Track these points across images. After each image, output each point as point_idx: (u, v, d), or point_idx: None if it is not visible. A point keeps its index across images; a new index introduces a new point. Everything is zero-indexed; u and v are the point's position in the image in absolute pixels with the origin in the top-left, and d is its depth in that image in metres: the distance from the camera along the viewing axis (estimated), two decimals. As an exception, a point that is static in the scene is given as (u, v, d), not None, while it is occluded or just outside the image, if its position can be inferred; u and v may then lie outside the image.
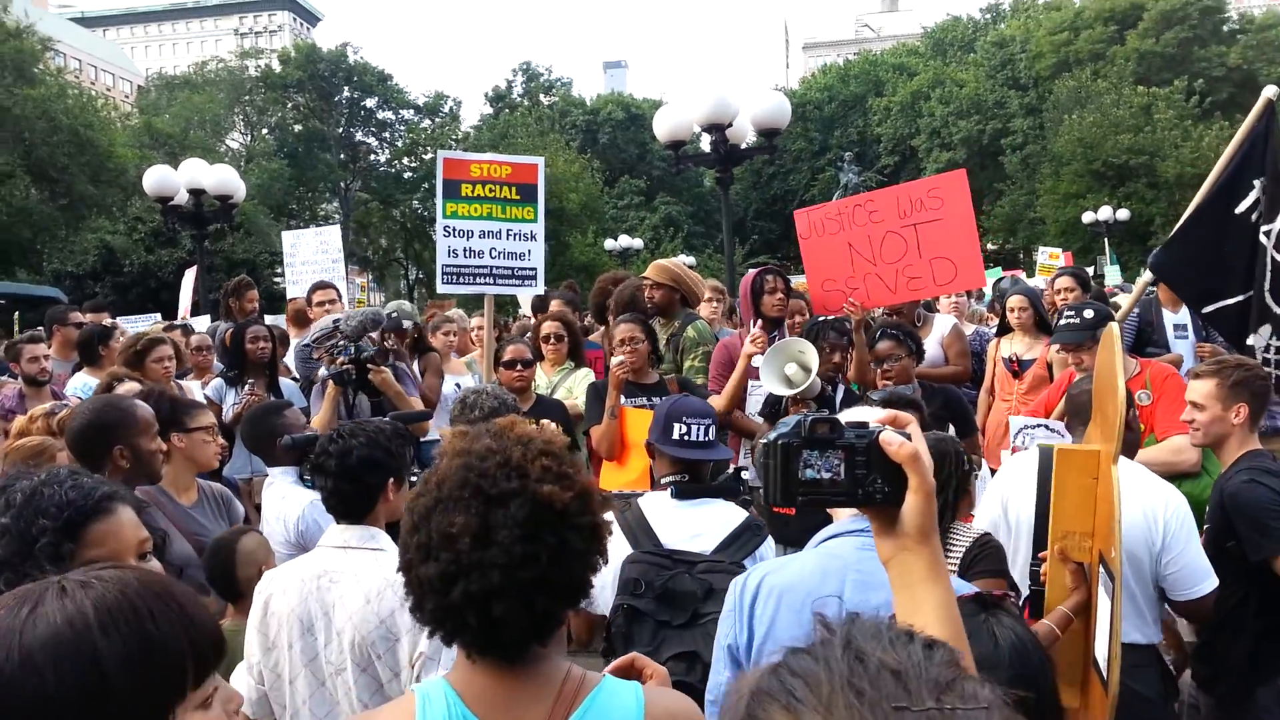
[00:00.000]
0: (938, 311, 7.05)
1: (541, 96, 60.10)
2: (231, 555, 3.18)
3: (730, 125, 9.74)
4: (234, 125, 56.53)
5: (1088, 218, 29.94)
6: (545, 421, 3.67)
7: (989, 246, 46.23)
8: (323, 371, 5.08)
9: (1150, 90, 40.48)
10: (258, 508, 4.56)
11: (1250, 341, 4.58)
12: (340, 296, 7.31)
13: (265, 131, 57.64)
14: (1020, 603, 3.10)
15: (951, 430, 4.84)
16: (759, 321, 5.24)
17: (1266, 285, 4.60)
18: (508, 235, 5.77)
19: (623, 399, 4.87)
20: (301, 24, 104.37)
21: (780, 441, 1.29)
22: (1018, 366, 6.34)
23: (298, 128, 57.84)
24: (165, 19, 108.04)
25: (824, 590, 2.09)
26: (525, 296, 9.47)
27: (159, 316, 12.97)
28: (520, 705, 1.55)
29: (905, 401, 3.41)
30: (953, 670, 0.85)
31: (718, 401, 5.03)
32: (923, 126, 50.92)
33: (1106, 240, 23.96)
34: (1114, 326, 3.07)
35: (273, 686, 2.62)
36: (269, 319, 9.67)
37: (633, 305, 5.94)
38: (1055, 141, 41.25)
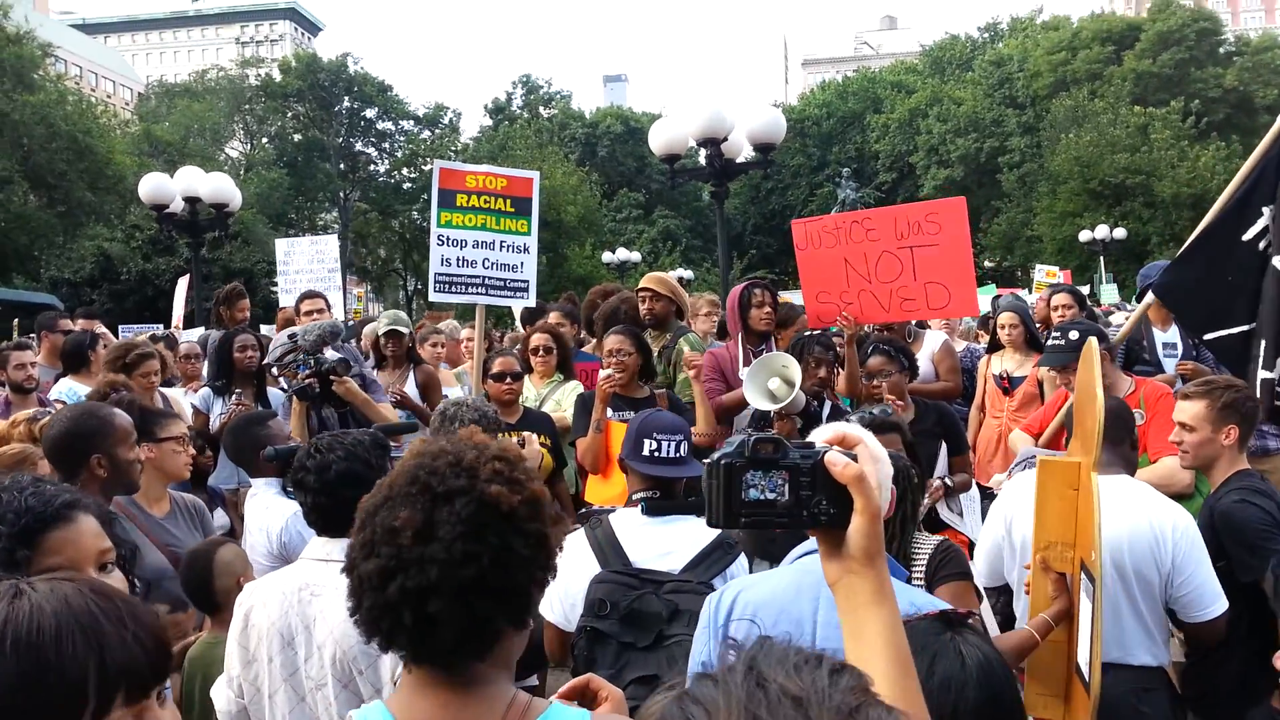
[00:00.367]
0: (929, 328, 7.04)
1: (541, 109, 60.21)
2: (209, 566, 3.14)
3: (725, 140, 9.75)
4: (233, 134, 56.63)
5: (1084, 236, 30.04)
6: (530, 435, 3.68)
7: (985, 264, 46.38)
8: (284, 386, 5.06)
9: (1147, 110, 40.66)
10: (244, 518, 4.54)
11: (1267, 375, 4.51)
12: (329, 306, 7.29)
13: (265, 140, 57.73)
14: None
15: (944, 447, 4.84)
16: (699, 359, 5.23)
17: None
18: (501, 247, 5.76)
19: (610, 412, 4.85)
20: (302, 34, 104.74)
21: (723, 461, 1.26)
22: (1008, 383, 6.33)
23: (297, 137, 57.95)
24: (166, 27, 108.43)
25: (798, 607, 2.08)
26: (518, 309, 9.47)
27: (161, 327, 12.95)
28: None
29: (886, 424, 3.39)
30: (858, 696, 0.83)
31: (701, 423, 5.02)
32: (920, 144, 51.08)
33: (1102, 260, 24.02)
34: (1093, 341, 3.07)
35: (252, 700, 2.58)
36: (264, 328, 9.67)
37: (615, 319, 5.92)
38: (1052, 160, 41.38)
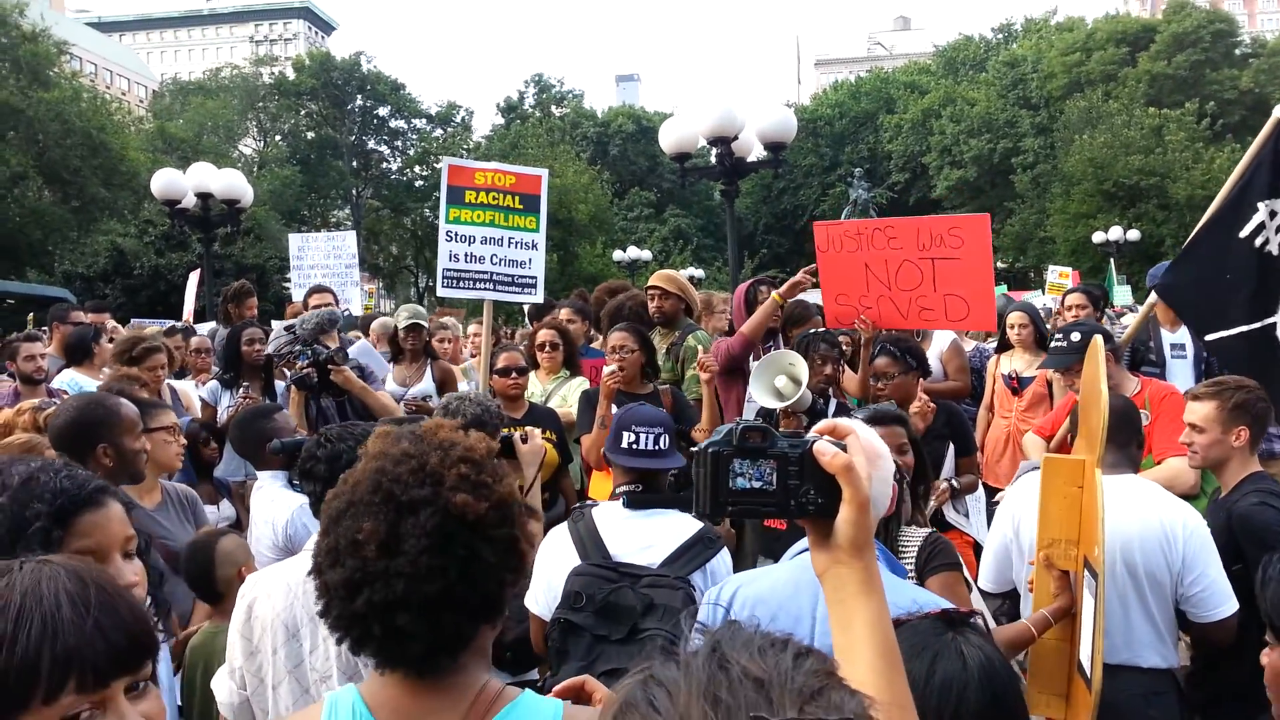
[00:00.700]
0: (938, 326, 7.01)
1: (553, 108, 60.30)
2: (210, 556, 3.15)
3: (736, 138, 9.73)
4: (247, 131, 56.90)
5: (1098, 238, 29.92)
6: (533, 429, 3.68)
7: (999, 265, 46.18)
8: (290, 375, 5.10)
9: (1161, 112, 40.45)
10: (249, 510, 4.55)
11: None
12: (338, 301, 7.31)
13: (278, 138, 57.99)
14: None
15: (951, 448, 4.82)
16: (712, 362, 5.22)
17: None
18: (509, 243, 5.78)
19: (614, 409, 4.85)
20: (316, 32, 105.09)
21: (710, 450, 1.26)
22: (1017, 383, 6.32)
23: (310, 135, 58.20)
24: (181, 25, 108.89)
25: (796, 603, 2.07)
26: (526, 305, 9.48)
27: (174, 323, 13.02)
28: (430, 717, 1.50)
29: (889, 416, 3.37)
30: (820, 679, 0.83)
31: (706, 422, 5.02)
32: (933, 144, 50.97)
33: (1113, 261, 23.93)
34: (1098, 339, 3.06)
35: (255, 692, 2.57)
36: (275, 324, 9.70)
37: (620, 316, 5.93)
38: (1066, 161, 41.21)
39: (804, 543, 2.22)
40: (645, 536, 3.02)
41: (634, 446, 3.19)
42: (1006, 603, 3.85)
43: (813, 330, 5.47)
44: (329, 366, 5.02)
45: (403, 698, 1.51)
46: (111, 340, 6.47)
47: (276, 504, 3.74)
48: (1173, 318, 6.03)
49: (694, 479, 1.28)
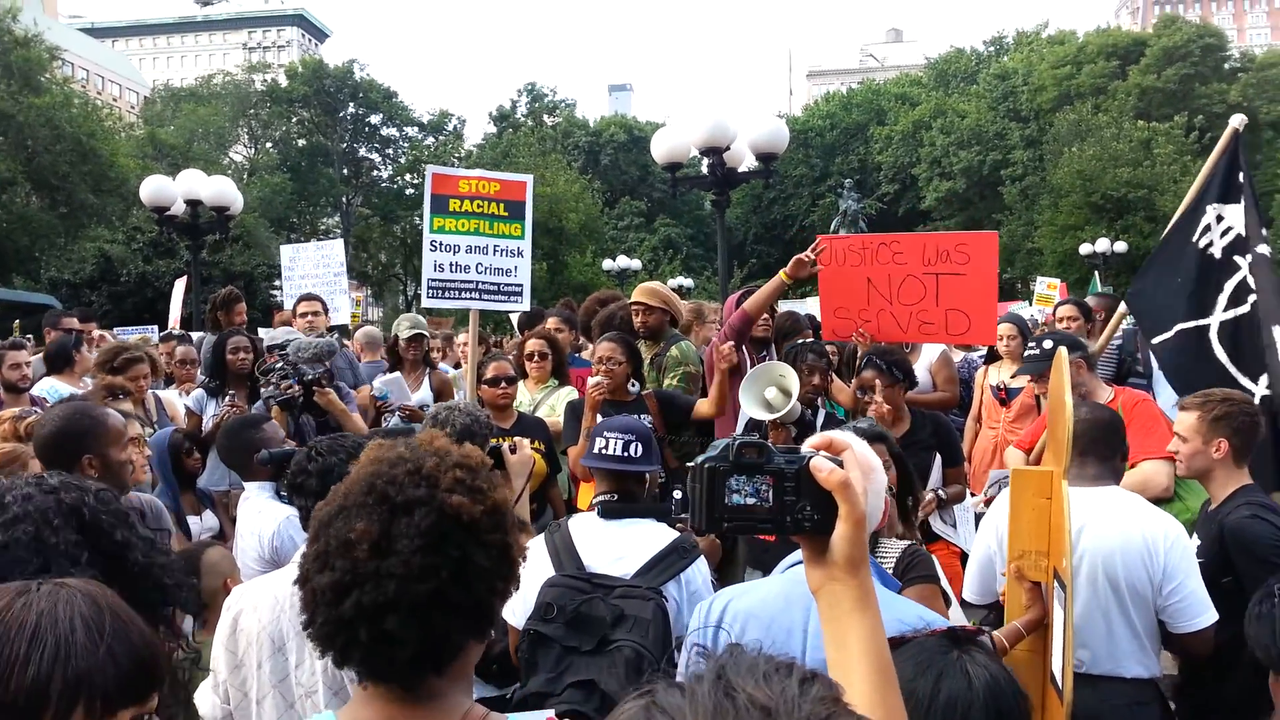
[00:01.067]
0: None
1: (545, 117, 60.36)
2: (195, 567, 3.12)
3: (728, 149, 9.75)
4: (238, 138, 56.76)
5: (1085, 249, 30.01)
6: (522, 440, 3.67)
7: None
8: (267, 392, 5.11)
9: (1150, 125, 40.70)
10: (233, 520, 4.52)
11: (1252, 388, 4.53)
12: (325, 310, 7.29)
13: (269, 145, 57.88)
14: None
15: (938, 458, 4.83)
16: (729, 343, 5.23)
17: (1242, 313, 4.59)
18: (495, 251, 5.74)
19: (599, 419, 4.84)
20: (309, 40, 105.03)
21: (706, 465, 1.25)
22: (1005, 394, 6.33)
23: (301, 142, 58.13)
24: (174, 32, 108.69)
25: (788, 617, 2.06)
26: (512, 313, 9.48)
27: (154, 328, 12.95)
28: None
29: (871, 434, 3.37)
30: (828, 707, 0.82)
31: (704, 405, 5.03)
32: (923, 156, 51.13)
33: (1098, 273, 24.04)
34: (1062, 350, 3.07)
35: (239, 706, 2.54)
36: (262, 331, 9.66)
37: (610, 326, 5.92)
38: (1054, 173, 41.40)
39: (795, 555, 2.22)
40: (619, 547, 3.02)
41: (603, 451, 3.20)
42: (991, 614, 3.84)
43: (800, 341, 5.48)
44: (314, 388, 5.06)
45: None
46: (97, 348, 6.45)
47: (264, 515, 3.71)
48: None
49: (689, 494, 1.27)
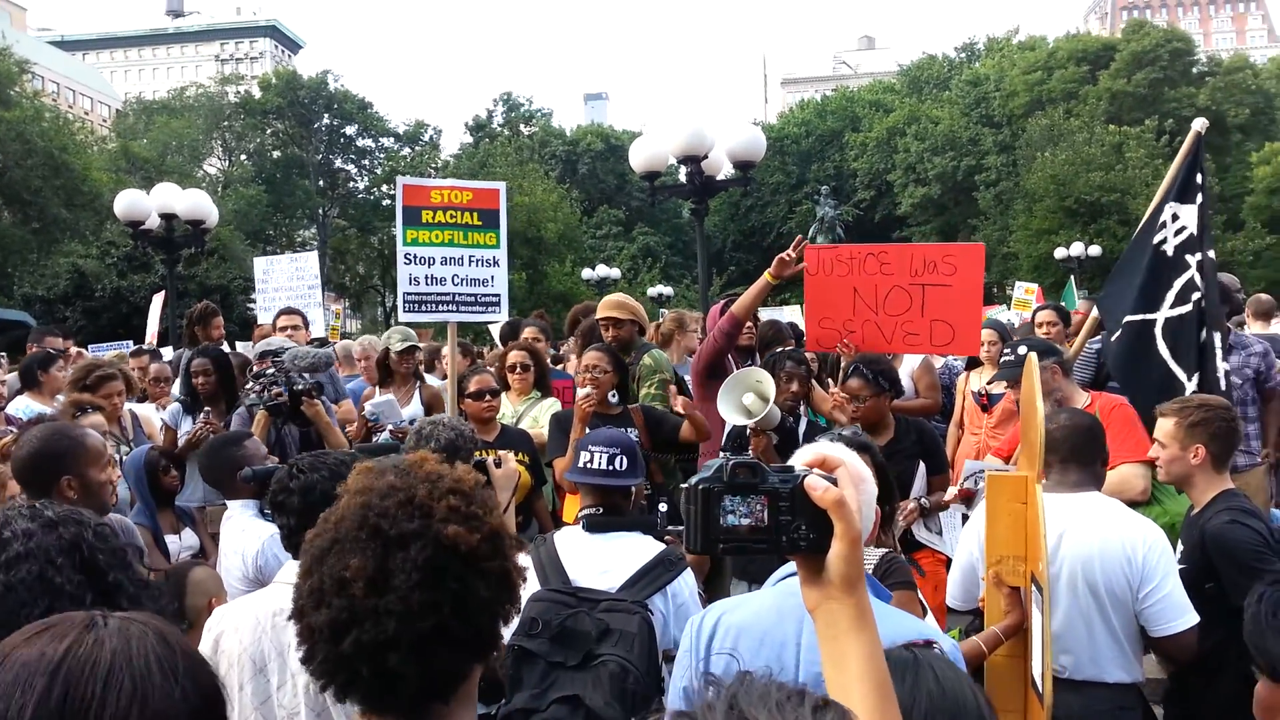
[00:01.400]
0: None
1: (522, 126, 60.24)
2: (181, 584, 3.08)
3: (705, 157, 9.76)
4: (212, 151, 56.35)
5: (1060, 253, 30.27)
6: (507, 453, 3.65)
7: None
8: (251, 399, 5.08)
9: (1122, 129, 41.14)
10: (213, 537, 4.47)
11: (1187, 385, 4.63)
12: (306, 323, 7.24)
13: (243, 157, 57.50)
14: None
15: (921, 467, 4.84)
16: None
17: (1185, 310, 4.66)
18: (470, 261, 5.65)
19: (587, 431, 4.82)
20: (283, 51, 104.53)
21: (700, 486, 1.24)
22: (986, 400, 6.36)
23: (276, 154, 57.79)
24: (146, 44, 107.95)
25: (781, 630, 2.04)
26: (492, 325, 9.44)
27: (130, 343, 12.81)
28: None
29: (855, 444, 3.37)
30: None
31: (687, 430, 5.03)
32: (898, 162, 51.50)
33: (1073, 277, 24.25)
34: (1032, 357, 3.10)
35: (220, 728, 2.53)
36: (240, 345, 9.58)
37: (594, 336, 5.92)
38: (1028, 178, 41.76)
39: (787, 568, 2.21)
40: (605, 560, 3.01)
41: (589, 465, 3.20)
42: (975, 619, 3.86)
43: (779, 349, 5.48)
44: (303, 397, 5.04)
45: None
46: (63, 363, 6.38)
47: (247, 534, 3.68)
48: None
49: (684, 515, 1.26)
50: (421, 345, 7.35)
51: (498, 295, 5.76)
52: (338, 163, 60.08)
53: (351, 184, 60.35)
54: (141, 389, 7.18)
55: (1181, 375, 4.70)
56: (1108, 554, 3.19)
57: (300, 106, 57.11)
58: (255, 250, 40.56)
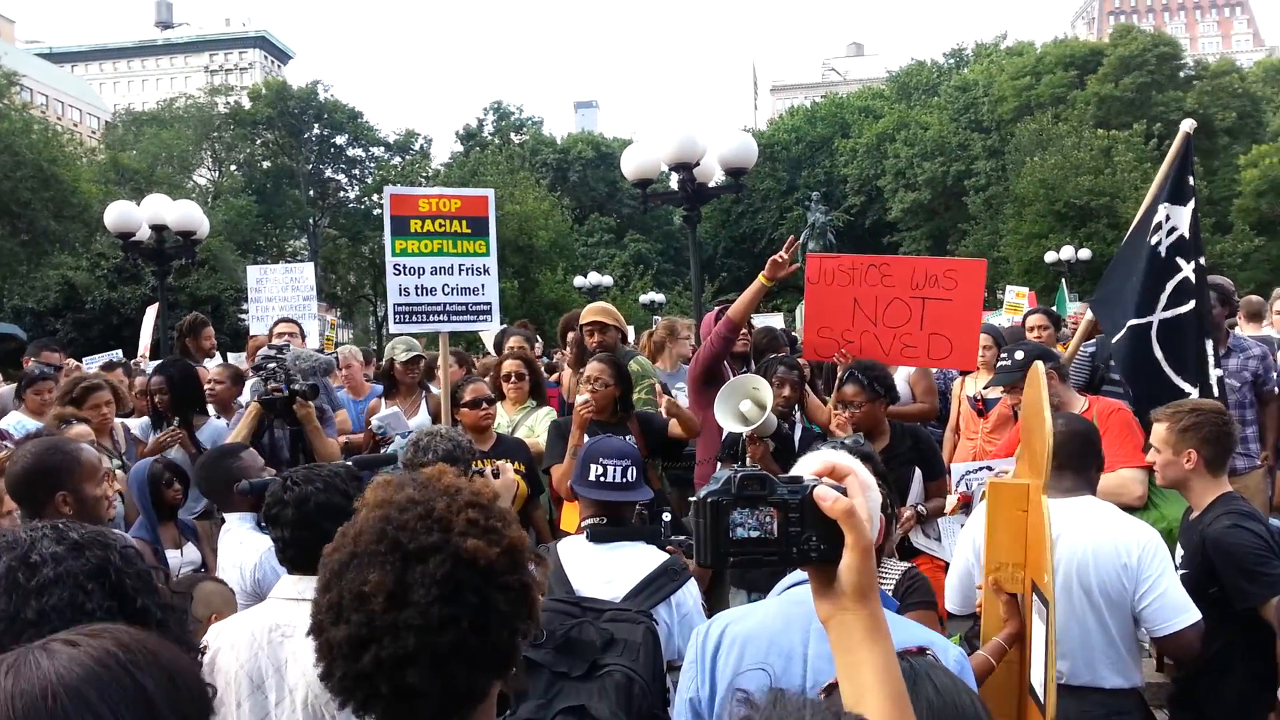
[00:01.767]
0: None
1: (512, 135, 60.30)
2: (187, 596, 3.06)
3: (697, 164, 9.75)
4: (202, 161, 56.22)
5: (1050, 257, 30.37)
6: (504, 463, 3.63)
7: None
8: (247, 393, 5.07)
9: (1110, 133, 41.31)
10: (215, 551, 4.42)
11: (1187, 389, 4.63)
12: (303, 333, 7.21)
13: (233, 168, 57.38)
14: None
15: (917, 473, 4.84)
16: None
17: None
18: (460, 270, 5.60)
19: (586, 439, 4.82)
20: (272, 61, 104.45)
21: (709, 500, 1.22)
22: (982, 405, 6.36)
23: (266, 164, 57.67)
24: (134, 56, 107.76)
25: (787, 639, 2.03)
26: (484, 333, 9.42)
27: (120, 353, 12.74)
28: None
29: (856, 452, 3.37)
30: None
31: (675, 426, 5.03)
32: (888, 168, 51.66)
33: (1064, 280, 24.34)
34: (1039, 364, 3.10)
35: (216, 747, 2.49)
36: (231, 356, 9.55)
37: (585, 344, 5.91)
38: (1017, 183, 41.90)
39: (794, 576, 2.20)
40: (609, 570, 3.01)
41: (601, 479, 3.18)
42: (975, 625, 3.86)
43: (772, 355, 5.48)
44: (298, 398, 5.03)
45: None
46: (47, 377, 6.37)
47: (245, 547, 3.65)
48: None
49: (693, 528, 1.25)
50: (425, 355, 7.37)
51: (489, 303, 5.70)
52: (328, 172, 60.01)
53: (342, 194, 60.26)
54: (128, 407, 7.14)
55: (1178, 380, 4.70)
56: (1102, 557, 3.18)
57: (290, 117, 57.05)
58: (246, 260, 40.43)
